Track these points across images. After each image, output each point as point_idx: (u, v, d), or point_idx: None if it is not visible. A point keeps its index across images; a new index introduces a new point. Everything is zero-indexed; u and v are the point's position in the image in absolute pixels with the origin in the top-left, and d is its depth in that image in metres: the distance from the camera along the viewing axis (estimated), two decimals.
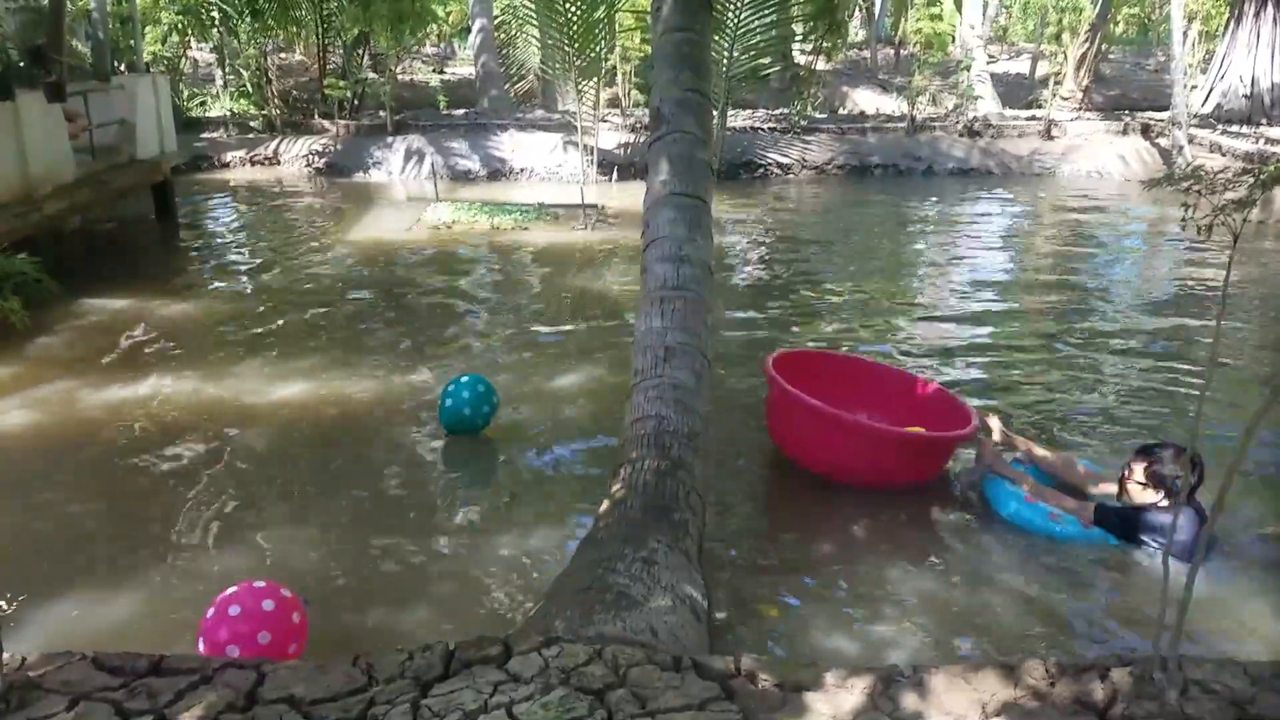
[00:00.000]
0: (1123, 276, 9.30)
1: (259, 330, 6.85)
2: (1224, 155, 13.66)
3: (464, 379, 4.95)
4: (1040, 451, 4.53)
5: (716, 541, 3.89)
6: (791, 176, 14.93)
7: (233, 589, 2.98)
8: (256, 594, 2.95)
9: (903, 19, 24.74)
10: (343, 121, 15.34)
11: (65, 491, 4.34)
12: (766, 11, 11.51)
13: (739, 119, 15.84)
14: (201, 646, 2.88)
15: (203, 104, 16.88)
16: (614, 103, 17.01)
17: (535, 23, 11.86)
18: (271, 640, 2.87)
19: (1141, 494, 3.90)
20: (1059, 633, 3.39)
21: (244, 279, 8.46)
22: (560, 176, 14.28)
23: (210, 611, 2.92)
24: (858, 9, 23.89)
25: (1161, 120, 15.40)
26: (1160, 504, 3.85)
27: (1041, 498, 4.10)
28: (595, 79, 12.31)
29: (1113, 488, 4.11)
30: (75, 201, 8.24)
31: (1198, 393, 5.58)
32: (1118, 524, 3.90)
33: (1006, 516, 4.11)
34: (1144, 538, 3.84)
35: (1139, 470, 3.90)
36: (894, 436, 4.41)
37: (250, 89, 16.39)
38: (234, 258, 9.38)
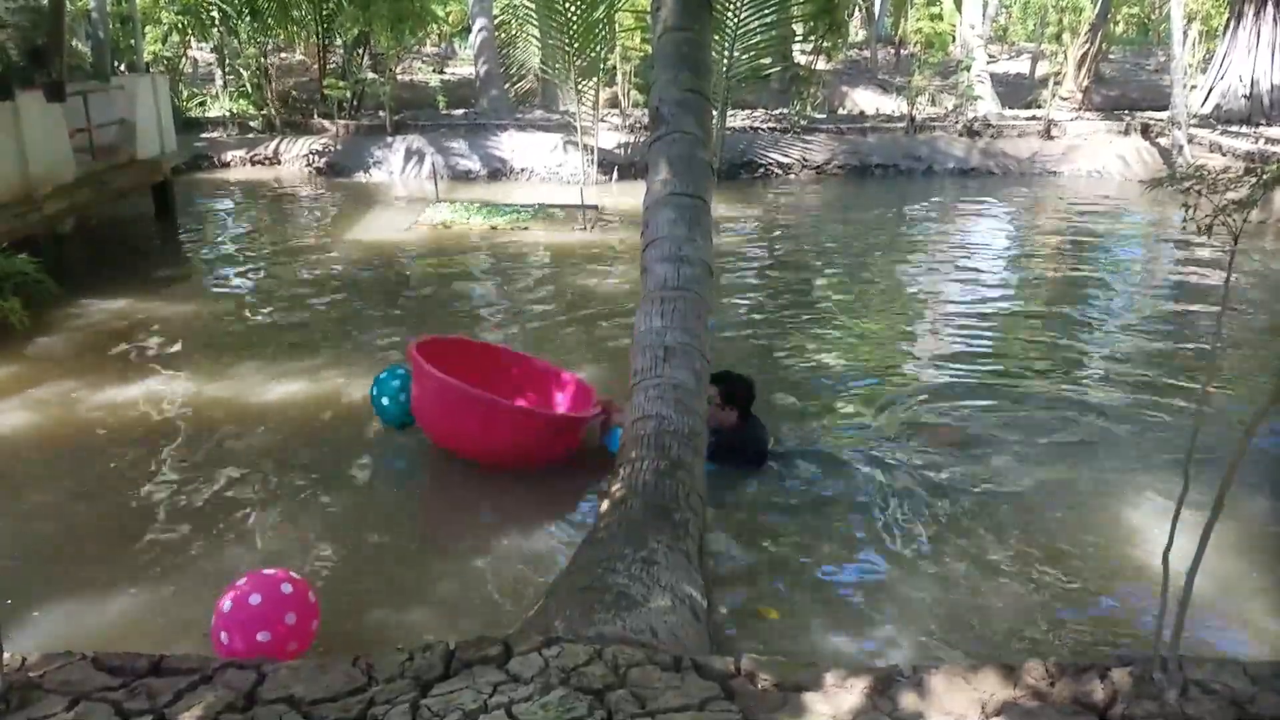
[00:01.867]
0: (1123, 276, 9.30)
1: (258, 330, 6.86)
2: (1224, 155, 13.66)
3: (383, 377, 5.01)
4: None
5: (717, 539, 3.89)
6: (791, 176, 14.93)
7: (242, 580, 3.00)
8: (271, 580, 2.99)
9: (903, 19, 24.73)
10: (343, 121, 15.34)
11: (65, 491, 4.34)
12: (766, 11, 11.50)
13: (739, 119, 15.83)
14: (225, 639, 2.88)
15: (203, 104, 16.88)
16: (614, 103, 17.00)
17: (535, 23, 11.85)
18: (297, 621, 2.93)
19: (722, 413, 4.59)
20: (1059, 633, 3.39)
21: (243, 279, 8.45)
22: (560, 176, 14.27)
23: (226, 604, 2.93)
24: (858, 9, 23.89)
25: (1161, 120, 15.40)
26: (736, 421, 4.61)
27: None
28: (595, 79, 12.31)
29: None
30: (75, 201, 8.24)
31: (1197, 391, 5.58)
32: (721, 451, 4.41)
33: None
34: (738, 452, 4.56)
35: (715, 393, 4.50)
36: (541, 418, 4.75)
37: (250, 89, 16.39)
38: (234, 258, 9.38)
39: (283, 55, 19.41)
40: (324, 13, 16.23)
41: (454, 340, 5.36)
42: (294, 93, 17.52)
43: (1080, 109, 18.83)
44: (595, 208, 11.13)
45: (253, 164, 14.64)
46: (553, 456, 4.57)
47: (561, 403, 5.10)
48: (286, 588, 2.97)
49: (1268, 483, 4.54)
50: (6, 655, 2.19)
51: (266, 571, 3.06)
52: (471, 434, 4.45)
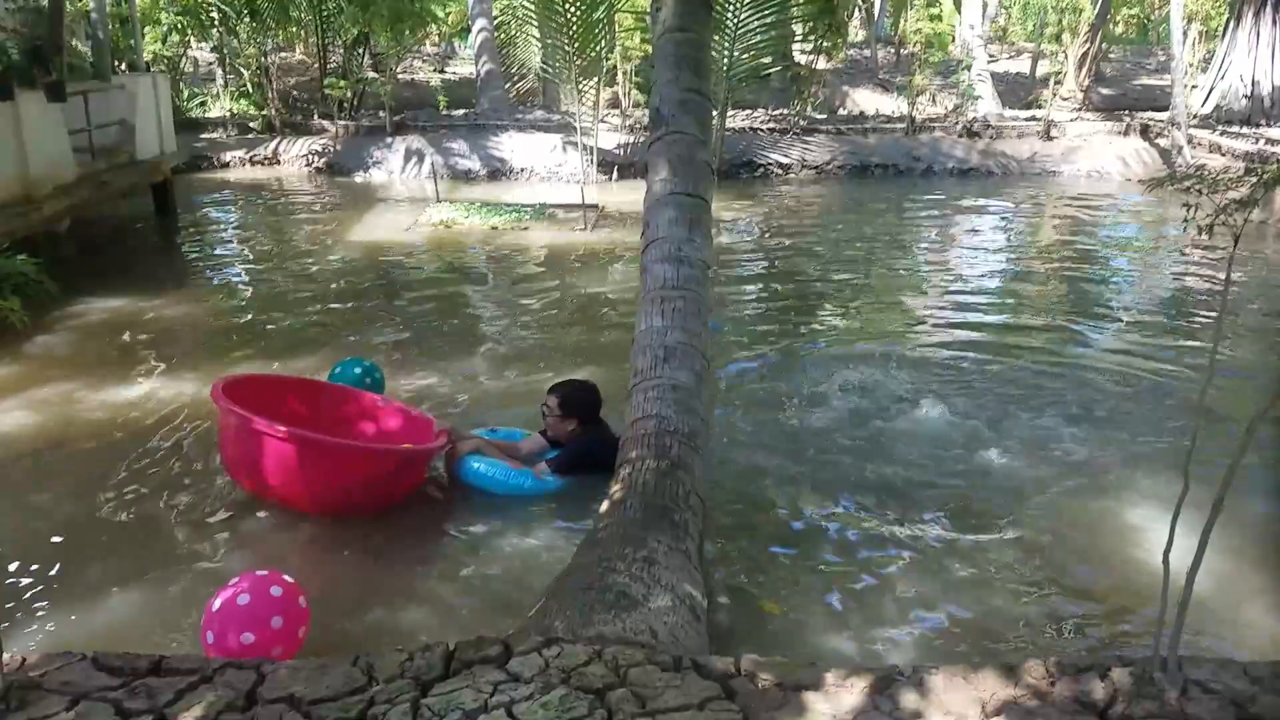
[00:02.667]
0: (1123, 276, 9.30)
1: (258, 330, 6.85)
2: (1224, 155, 13.67)
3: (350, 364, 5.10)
4: (488, 440, 4.62)
5: (716, 540, 3.89)
6: (791, 176, 14.93)
7: (235, 580, 3.00)
8: (263, 581, 2.98)
9: (903, 19, 24.73)
10: (343, 121, 15.35)
11: (65, 491, 4.34)
12: (766, 11, 11.52)
13: (739, 119, 15.84)
14: (210, 639, 2.88)
15: (203, 104, 16.89)
16: (614, 103, 17.01)
17: (535, 23, 11.86)
18: (283, 624, 2.91)
19: (562, 424, 4.45)
20: (1059, 633, 3.39)
21: (243, 279, 8.45)
22: (560, 176, 14.28)
23: (216, 604, 2.93)
24: (858, 9, 23.89)
25: (1161, 121, 15.41)
26: (578, 430, 4.44)
27: (511, 462, 4.39)
28: (595, 79, 12.32)
29: (534, 443, 4.60)
30: (75, 201, 8.24)
31: (1198, 391, 5.58)
32: (568, 463, 4.34)
33: (501, 487, 4.26)
34: (588, 464, 4.31)
35: (554, 405, 4.45)
36: (394, 455, 4.20)
37: (250, 89, 16.41)
38: (234, 258, 9.38)
39: (283, 55, 19.42)
40: (324, 13, 16.24)
41: (268, 378, 4.88)
42: (294, 93, 17.53)
43: (1080, 109, 18.83)
44: (595, 207, 11.13)
45: (252, 164, 14.64)
46: (394, 497, 4.16)
47: (398, 437, 4.52)
48: (276, 590, 2.95)
49: (1268, 483, 4.54)
50: (6, 655, 2.19)
51: (259, 573, 3.04)
52: (296, 478, 3.92)
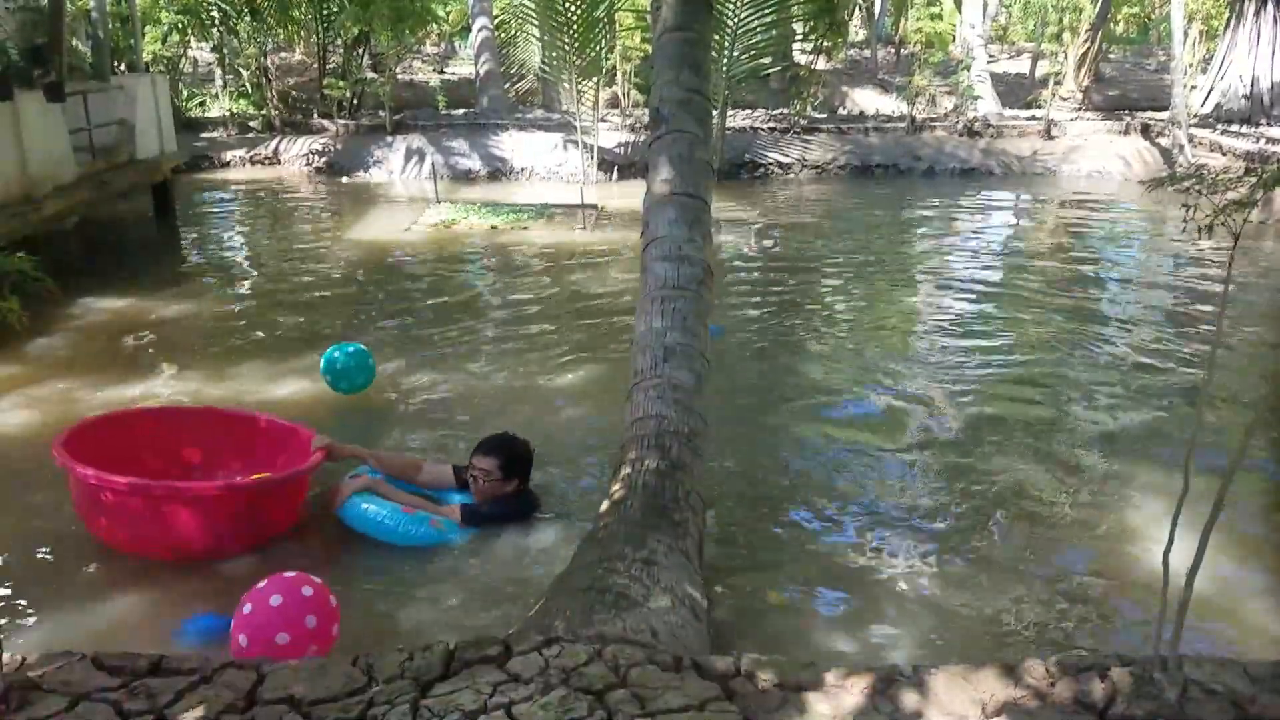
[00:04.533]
0: (1123, 276, 9.30)
1: (258, 330, 6.86)
2: (1224, 155, 13.67)
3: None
4: (385, 456, 4.32)
5: (717, 539, 3.89)
6: (792, 176, 14.93)
7: (263, 583, 2.99)
8: (293, 582, 2.99)
9: (903, 19, 24.73)
10: (342, 121, 15.35)
11: (64, 491, 4.33)
12: (766, 11, 11.52)
13: (739, 119, 15.83)
14: (244, 642, 2.88)
15: (202, 104, 16.89)
16: (614, 103, 17.01)
17: (535, 22, 11.87)
18: (318, 624, 2.93)
19: (502, 486, 4.06)
20: (1059, 633, 3.39)
21: (243, 279, 8.46)
22: (560, 176, 14.28)
23: (247, 607, 2.93)
24: (858, 9, 23.88)
25: (1162, 120, 15.41)
26: (512, 490, 4.08)
27: (418, 508, 3.94)
28: (595, 79, 12.32)
29: (440, 476, 4.25)
30: (75, 201, 8.24)
31: (1198, 390, 5.58)
32: (488, 519, 4.00)
33: (389, 534, 3.80)
34: (507, 522, 4.03)
35: (493, 467, 4.04)
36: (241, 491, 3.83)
37: (250, 89, 16.40)
38: (234, 258, 9.39)
39: (282, 55, 19.42)
40: (324, 12, 16.24)
41: (130, 414, 4.54)
42: (294, 92, 17.52)
43: (1080, 109, 18.83)
44: (595, 207, 11.13)
45: (252, 164, 14.64)
46: (270, 529, 3.85)
47: (277, 461, 4.20)
48: (307, 590, 2.97)
49: (1268, 483, 4.54)
50: (6, 655, 2.19)
51: (286, 574, 3.04)
52: (148, 529, 3.64)
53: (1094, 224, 11.69)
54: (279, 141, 14.97)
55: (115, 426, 4.18)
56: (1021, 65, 22.66)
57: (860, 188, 14.28)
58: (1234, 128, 15.58)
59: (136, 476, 3.67)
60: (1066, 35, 19.88)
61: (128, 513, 3.65)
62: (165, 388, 5.62)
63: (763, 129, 15.72)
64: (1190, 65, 17.57)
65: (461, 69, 20.91)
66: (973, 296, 8.09)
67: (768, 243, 10.22)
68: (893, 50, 23.65)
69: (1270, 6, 16.73)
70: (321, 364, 5.28)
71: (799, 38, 14.64)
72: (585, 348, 6.47)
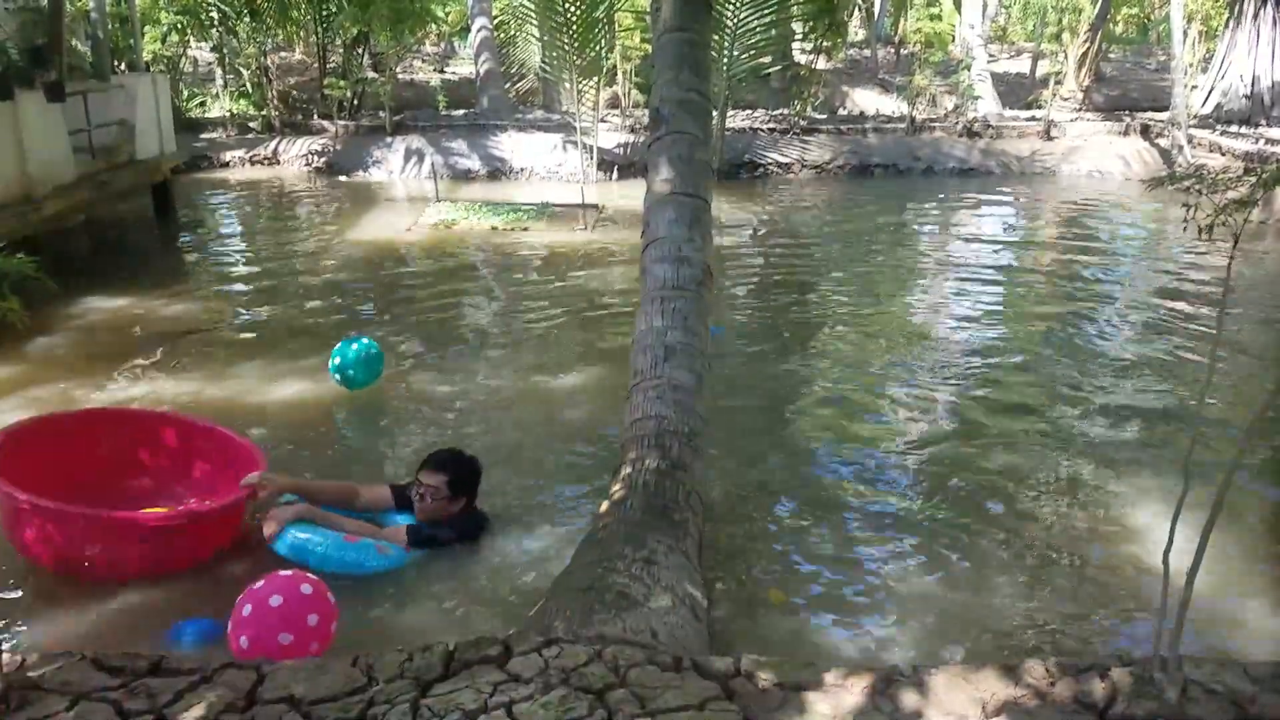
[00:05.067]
0: (1123, 276, 9.29)
1: (258, 330, 6.86)
2: (1224, 155, 13.66)
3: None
4: (316, 485, 4.04)
5: (717, 538, 3.89)
6: (792, 176, 14.92)
7: (260, 583, 2.98)
8: (292, 581, 2.98)
9: (903, 19, 24.73)
10: (342, 121, 15.34)
11: None
12: (766, 11, 11.53)
13: (739, 119, 15.83)
14: (245, 643, 2.87)
15: (202, 104, 16.88)
16: (614, 103, 17.00)
17: (535, 22, 11.86)
18: (319, 622, 2.93)
19: (451, 505, 3.87)
20: (1059, 633, 3.39)
21: (244, 279, 8.45)
22: (560, 176, 14.27)
23: (246, 608, 2.92)
24: (858, 9, 23.86)
25: (1161, 120, 15.41)
26: (458, 510, 3.89)
27: (361, 534, 3.74)
28: (595, 79, 12.31)
29: (378, 498, 4.01)
30: (75, 201, 8.24)
31: (1198, 390, 5.58)
32: (435, 540, 3.80)
33: (333, 566, 3.51)
34: (457, 544, 3.83)
35: (441, 484, 3.84)
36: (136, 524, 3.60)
37: (250, 89, 16.40)
38: (233, 258, 9.38)
39: (282, 55, 19.41)
40: (324, 13, 16.23)
41: (71, 416, 4.34)
42: (294, 93, 17.51)
43: (1080, 109, 18.83)
44: (596, 207, 11.13)
45: (252, 164, 14.64)
46: (187, 560, 3.64)
47: (216, 464, 4.13)
48: (306, 588, 2.96)
49: (1268, 483, 4.54)
50: (6, 655, 2.19)
51: (283, 573, 3.03)
52: (45, 547, 3.49)
53: (1094, 224, 11.68)
54: (279, 142, 14.96)
55: (50, 432, 3.96)
56: (1022, 65, 22.66)
57: (860, 188, 14.27)
58: (1234, 128, 15.58)
59: (66, 486, 3.60)
60: (1066, 35, 19.87)
61: (41, 530, 3.46)
62: (164, 387, 5.62)
63: (763, 129, 15.72)
64: (1190, 65, 17.56)
65: (461, 69, 20.90)
66: (972, 296, 8.09)
67: (748, 232, 10.27)
68: (893, 50, 23.65)
69: (1270, 7, 16.72)
70: (334, 358, 5.31)
71: (799, 38, 14.64)
72: (585, 347, 6.46)
